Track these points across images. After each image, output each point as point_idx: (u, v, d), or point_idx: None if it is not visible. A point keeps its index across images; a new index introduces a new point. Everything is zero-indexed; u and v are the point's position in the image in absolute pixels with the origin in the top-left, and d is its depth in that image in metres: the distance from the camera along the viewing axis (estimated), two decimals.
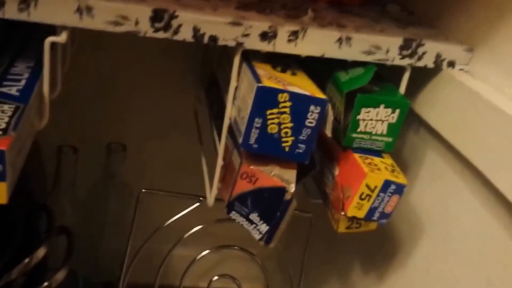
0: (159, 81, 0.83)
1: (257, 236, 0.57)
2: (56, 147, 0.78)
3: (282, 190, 0.55)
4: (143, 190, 0.76)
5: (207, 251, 0.78)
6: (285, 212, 0.56)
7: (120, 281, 0.77)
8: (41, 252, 0.59)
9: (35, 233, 0.63)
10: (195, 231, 0.76)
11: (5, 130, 0.45)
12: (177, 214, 0.75)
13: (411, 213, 0.65)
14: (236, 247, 0.79)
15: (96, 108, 0.83)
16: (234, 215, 0.59)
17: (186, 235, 0.76)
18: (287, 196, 0.56)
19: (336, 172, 0.60)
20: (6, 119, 0.47)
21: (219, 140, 0.61)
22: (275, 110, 0.52)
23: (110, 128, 0.83)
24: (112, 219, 0.84)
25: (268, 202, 0.56)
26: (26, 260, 0.58)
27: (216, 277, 0.79)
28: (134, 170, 0.82)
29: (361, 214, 0.57)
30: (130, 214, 0.82)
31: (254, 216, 0.57)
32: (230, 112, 0.58)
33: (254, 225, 0.57)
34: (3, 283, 0.57)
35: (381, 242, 0.70)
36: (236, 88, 0.57)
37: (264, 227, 0.57)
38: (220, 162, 0.61)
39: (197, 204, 0.76)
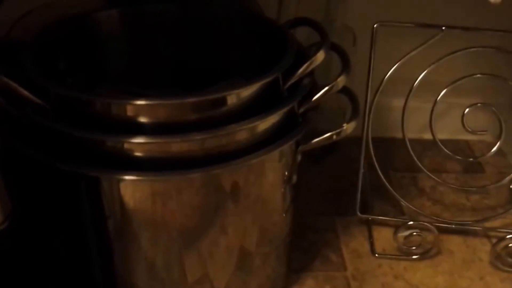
0: None
1: None
2: None
3: None
4: (376, 25, 0.70)
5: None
6: None
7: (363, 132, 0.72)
8: (320, 55, 0.54)
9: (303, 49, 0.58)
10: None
11: None
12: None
13: None
14: (478, 74, 0.71)
15: None
16: None
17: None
18: None
19: None
20: None
21: None
22: None
23: None
24: None
25: None
26: (308, 62, 0.54)
27: (467, 109, 0.71)
28: (357, 13, 0.76)
29: None
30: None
31: None
32: None
33: None
34: (291, 82, 0.53)
35: None
36: None
37: None
38: None
39: (441, 34, 0.69)
